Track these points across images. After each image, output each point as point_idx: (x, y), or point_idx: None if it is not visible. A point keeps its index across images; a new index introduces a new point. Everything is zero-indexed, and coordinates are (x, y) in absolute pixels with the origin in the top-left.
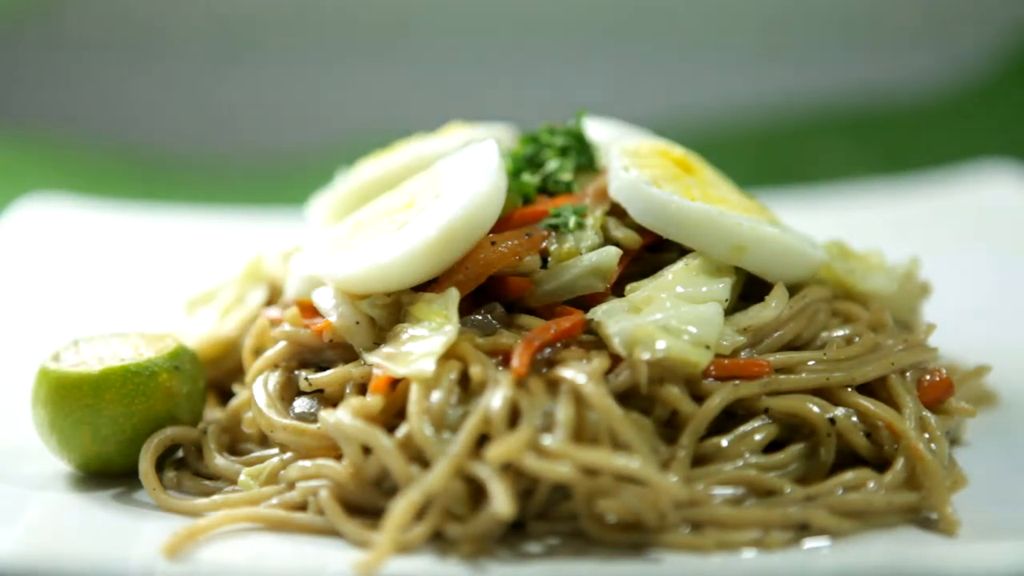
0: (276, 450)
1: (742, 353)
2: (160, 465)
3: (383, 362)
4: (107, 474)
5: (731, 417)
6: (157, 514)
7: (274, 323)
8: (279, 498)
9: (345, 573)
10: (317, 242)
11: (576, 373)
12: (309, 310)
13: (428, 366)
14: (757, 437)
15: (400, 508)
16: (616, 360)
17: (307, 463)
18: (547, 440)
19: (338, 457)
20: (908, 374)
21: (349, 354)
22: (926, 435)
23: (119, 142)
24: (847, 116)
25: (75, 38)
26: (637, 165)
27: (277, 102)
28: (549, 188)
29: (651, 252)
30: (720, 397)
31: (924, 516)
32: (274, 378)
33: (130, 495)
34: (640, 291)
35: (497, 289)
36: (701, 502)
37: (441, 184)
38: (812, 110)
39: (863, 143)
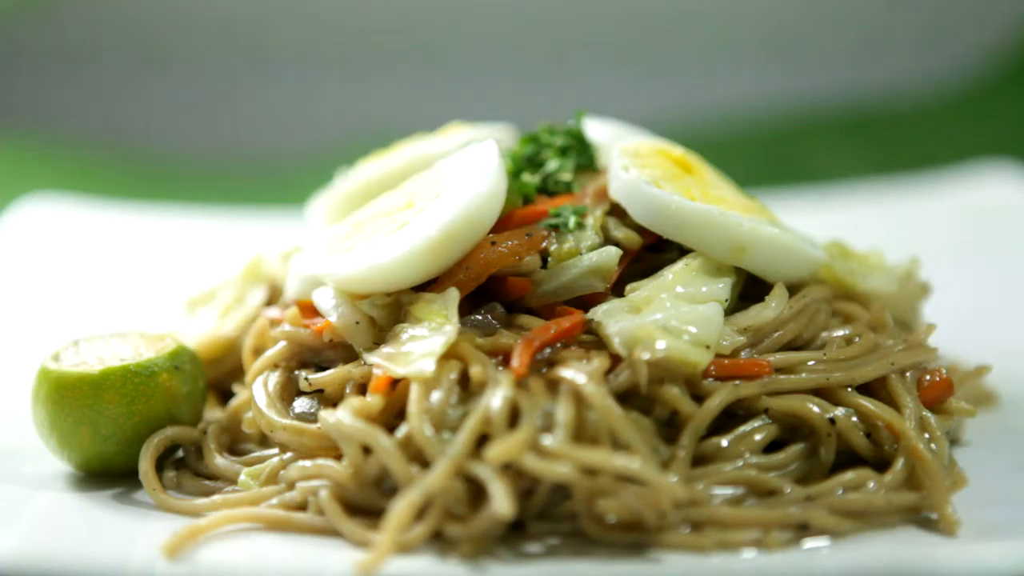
0: (276, 450)
1: (742, 353)
2: (160, 465)
3: (383, 362)
4: (107, 474)
5: (731, 417)
6: (157, 514)
7: (274, 323)
8: (279, 498)
9: (345, 573)
10: (317, 242)
11: (576, 373)
12: (309, 310)
13: (428, 366)
14: (757, 437)
15: (400, 508)
16: (616, 360)
17: (307, 463)
18: (547, 440)
19: (338, 457)
20: (908, 374)
21: (349, 354)
22: (926, 435)
23: (119, 142)
24: (847, 116)
25: (75, 38)
26: (637, 165)
27: (277, 102)
28: (549, 188)
29: (651, 252)
30: (720, 397)
31: (924, 516)
32: (274, 378)
33: (130, 495)
34: (640, 291)
35: (497, 289)
36: (701, 502)
37: (441, 184)
38: (812, 110)
39: (863, 143)
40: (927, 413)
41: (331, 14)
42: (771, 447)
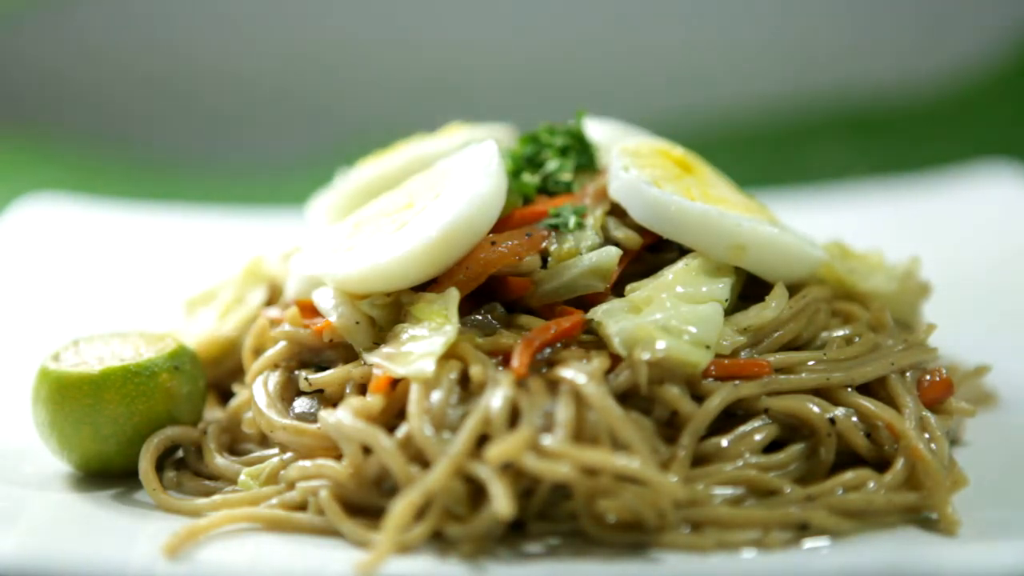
0: (276, 450)
1: (742, 353)
2: (160, 465)
3: (383, 362)
4: (107, 474)
5: (731, 417)
6: (157, 514)
7: (274, 323)
8: (279, 498)
9: (345, 573)
10: (317, 242)
11: (576, 373)
12: (309, 310)
13: (428, 366)
14: (757, 437)
15: (400, 508)
16: (616, 360)
17: (307, 463)
18: (547, 440)
19: (338, 457)
20: (908, 374)
21: (349, 354)
22: (926, 435)
23: (119, 142)
24: (847, 116)
25: (76, 38)
26: (637, 165)
27: (277, 102)
28: (549, 188)
29: (651, 252)
30: (720, 397)
31: (924, 516)
32: (274, 378)
33: (130, 495)
34: (640, 291)
35: (497, 289)
36: (701, 502)
37: (441, 184)
38: (812, 110)
39: (863, 143)
40: (927, 413)
41: (333, 13)
42: (771, 447)
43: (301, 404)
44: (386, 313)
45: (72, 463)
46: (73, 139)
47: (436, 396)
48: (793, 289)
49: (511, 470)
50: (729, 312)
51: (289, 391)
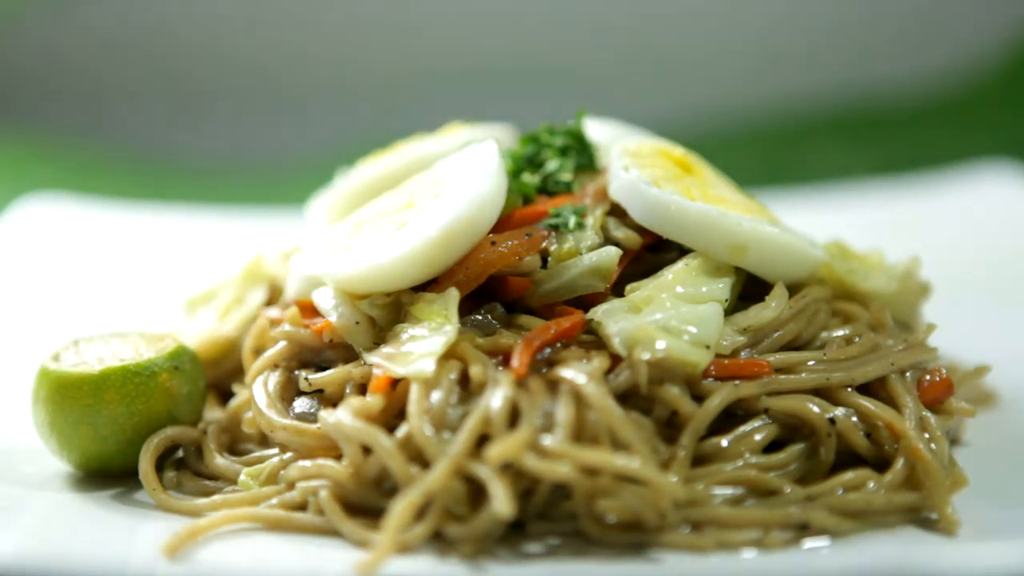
0: (276, 450)
1: (742, 353)
2: (160, 465)
3: (383, 362)
4: (107, 474)
5: (731, 417)
6: (157, 514)
7: (274, 323)
8: (279, 498)
9: (345, 573)
10: (317, 242)
11: (576, 373)
12: (309, 310)
13: (428, 366)
14: (757, 437)
15: (400, 508)
16: (616, 360)
17: (307, 463)
18: (547, 440)
19: (338, 457)
20: (908, 374)
21: (349, 354)
22: (926, 435)
23: (119, 142)
24: (847, 116)
25: (76, 39)
26: (637, 165)
27: (278, 102)
28: (549, 188)
29: (651, 252)
30: (720, 397)
31: (924, 516)
32: (274, 378)
33: (130, 495)
34: (640, 291)
35: (497, 289)
36: (701, 502)
37: (441, 184)
38: (812, 110)
39: (863, 143)
40: (927, 413)
41: (334, 12)
42: (771, 447)
43: (301, 404)
44: (386, 313)
45: (72, 463)
46: (73, 139)
47: (436, 396)
48: (793, 289)
49: (511, 470)
50: (729, 312)
51: (289, 391)
